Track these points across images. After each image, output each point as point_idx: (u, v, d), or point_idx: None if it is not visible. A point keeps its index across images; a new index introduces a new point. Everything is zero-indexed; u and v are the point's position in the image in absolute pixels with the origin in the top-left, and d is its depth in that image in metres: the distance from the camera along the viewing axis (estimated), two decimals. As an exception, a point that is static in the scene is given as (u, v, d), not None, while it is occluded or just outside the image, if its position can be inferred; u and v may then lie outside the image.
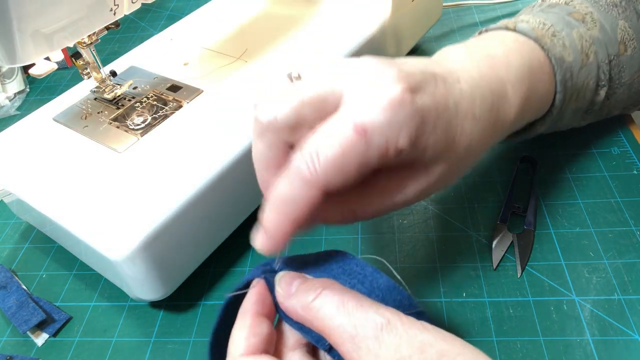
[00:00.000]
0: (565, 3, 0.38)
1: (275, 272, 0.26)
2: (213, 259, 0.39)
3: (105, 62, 0.45)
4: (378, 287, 0.24)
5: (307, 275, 0.25)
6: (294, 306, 0.23)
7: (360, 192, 0.26)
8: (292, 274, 0.25)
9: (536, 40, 0.33)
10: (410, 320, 0.21)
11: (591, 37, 0.35)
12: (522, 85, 0.30)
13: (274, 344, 0.25)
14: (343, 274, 0.25)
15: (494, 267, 0.36)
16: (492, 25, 0.35)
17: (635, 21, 0.37)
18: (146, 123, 0.40)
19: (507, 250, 0.37)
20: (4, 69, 0.63)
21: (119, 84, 0.43)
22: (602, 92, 0.37)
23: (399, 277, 0.26)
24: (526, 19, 0.35)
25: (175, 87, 0.43)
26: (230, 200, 0.37)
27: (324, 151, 0.22)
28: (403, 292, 0.25)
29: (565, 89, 0.34)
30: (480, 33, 0.36)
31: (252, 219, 0.35)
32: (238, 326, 0.25)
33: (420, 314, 0.24)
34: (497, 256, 0.37)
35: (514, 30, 0.34)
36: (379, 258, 0.28)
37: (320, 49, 0.45)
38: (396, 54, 0.53)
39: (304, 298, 0.23)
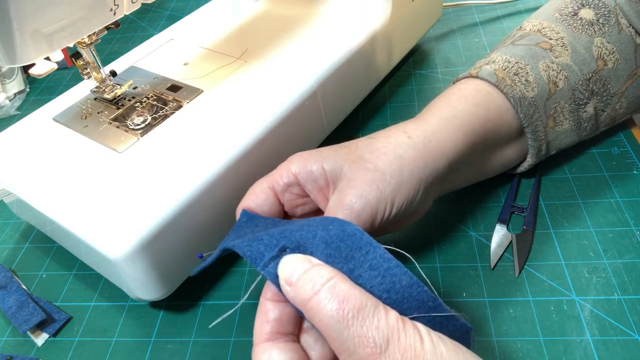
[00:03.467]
0: (538, 30, 0.40)
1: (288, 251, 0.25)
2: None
3: (105, 62, 0.45)
4: (400, 286, 0.24)
5: (315, 260, 0.24)
6: (292, 298, 0.23)
7: None
8: (297, 258, 0.24)
9: (496, 84, 0.37)
10: (411, 342, 0.21)
11: (559, 64, 0.38)
12: (461, 124, 0.34)
13: (295, 323, 0.26)
14: (363, 265, 0.24)
15: (492, 266, 0.36)
16: (461, 75, 0.40)
17: (615, 35, 0.39)
18: (146, 123, 0.40)
19: (505, 250, 0.37)
20: (4, 69, 0.63)
21: (119, 84, 0.43)
22: (589, 108, 0.39)
23: (424, 275, 0.26)
24: (494, 57, 0.39)
25: (175, 87, 0.43)
26: (229, 200, 0.37)
27: None
28: (427, 292, 0.24)
29: (532, 121, 0.37)
30: (453, 82, 0.41)
31: (252, 219, 0.34)
32: (257, 314, 0.26)
33: (449, 318, 0.24)
34: (495, 256, 0.37)
35: (477, 77, 0.38)
36: (407, 254, 0.28)
37: (320, 49, 0.45)
38: (396, 54, 0.53)
39: (302, 293, 0.22)
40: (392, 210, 0.30)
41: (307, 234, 0.25)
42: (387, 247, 0.26)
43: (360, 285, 0.24)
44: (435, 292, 0.24)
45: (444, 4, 0.63)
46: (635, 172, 0.41)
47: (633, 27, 0.39)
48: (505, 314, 0.34)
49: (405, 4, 0.50)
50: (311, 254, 0.25)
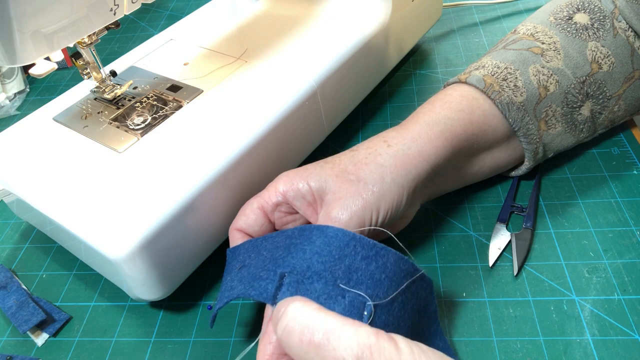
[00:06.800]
0: (531, 34, 0.40)
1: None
2: (213, 259, 0.39)
3: (105, 62, 0.45)
4: (390, 264, 0.27)
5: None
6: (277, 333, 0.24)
7: None
8: (291, 298, 0.25)
9: (484, 90, 0.37)
10: (386, 355, 0.21)
11: (550, 69, 0.38)
12: (442, 131, 0.34)
13: None
14: (356, 258, 0.26)
15: (490, 265, 0.36)
16: (451, 80, 0.40)
17: (611, 39, 0.39)
18: (146, 123, 0.40)
19: (504, 249, 0.37)
20: (4, 69, 0.63)
21: (119, 84, 0.43)
22: (585, 111, 0.39)
23: (401, 244, 0.31)
24: (485, 62, 0.39)
25: (175, 87, 0.43)
26: (229, 200, 0.37)
27: None
28: (409, 261, 0.27)
29: (522, 125, 0.37)
30: (444, 87, 0.41)
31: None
32: (260, 334, 0.27)
33: (422, 278, 0.28)
34: (493, 255, 0.37)
35: (465, 82, 0.38)
36: (385, 230, 0.31)
37: (320, 49, 0.45)
38: (396, 54, 0.53)
39: (276, 329, 0.23)
40: (378, 218, 0.31)
41: (297, 253, 0.27)
42: (366, 228, 0.30)
43: (360, 277, 0.25)
44: (412, 257, 0.28)
45: (444, 4, 0.63)
46: (635, 172, 0.41)
47: (633, 30, 0.39)
48: (505, 314, 0.34)
49: (405, 4, 0.50)
50: (308, 267, 0.26)
